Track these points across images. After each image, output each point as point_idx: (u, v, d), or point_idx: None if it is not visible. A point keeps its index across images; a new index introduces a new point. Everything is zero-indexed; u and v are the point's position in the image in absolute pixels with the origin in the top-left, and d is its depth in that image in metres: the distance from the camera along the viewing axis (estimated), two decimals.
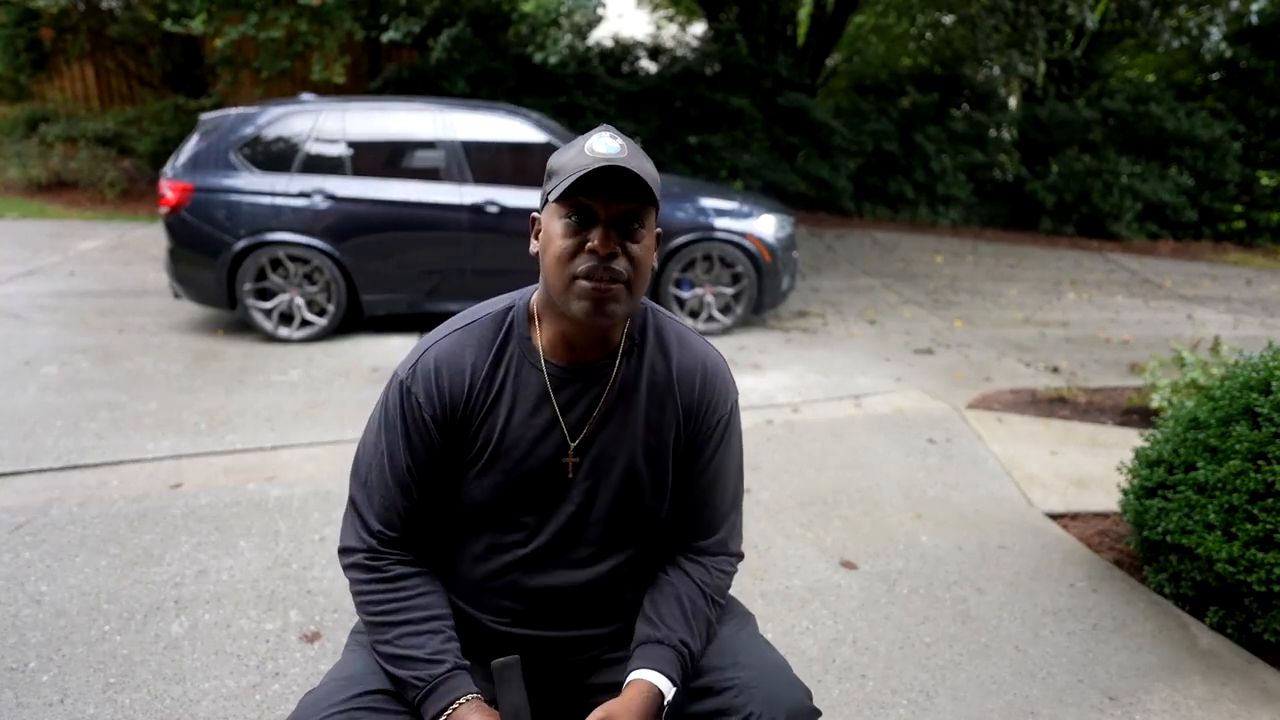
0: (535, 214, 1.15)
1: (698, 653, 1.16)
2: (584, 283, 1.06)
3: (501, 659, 1.09)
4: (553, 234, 1.09)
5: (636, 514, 1.20)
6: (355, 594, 1.17)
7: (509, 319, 1.19)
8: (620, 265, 1.06)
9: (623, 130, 10.67)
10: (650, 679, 1.10)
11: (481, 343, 1.18)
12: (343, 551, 1.19)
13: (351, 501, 1.20)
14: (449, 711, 1.07)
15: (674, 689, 1.11)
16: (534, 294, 1.21)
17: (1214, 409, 2.31)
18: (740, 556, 1.30)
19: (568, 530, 1.18)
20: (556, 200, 1.07)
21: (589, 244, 1.05)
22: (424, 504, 1.18)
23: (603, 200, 1.05)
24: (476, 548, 1.21)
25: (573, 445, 1.16)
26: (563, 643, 1.22)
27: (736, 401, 1.27)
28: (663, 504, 1.22)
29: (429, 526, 1.21)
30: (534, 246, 1.15)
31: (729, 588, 1.27)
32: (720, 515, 1.26)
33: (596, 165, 1.03)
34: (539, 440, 1.16)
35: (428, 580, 1.18)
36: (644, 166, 1.08)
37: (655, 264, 1.18)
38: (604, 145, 1.07)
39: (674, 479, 1.23)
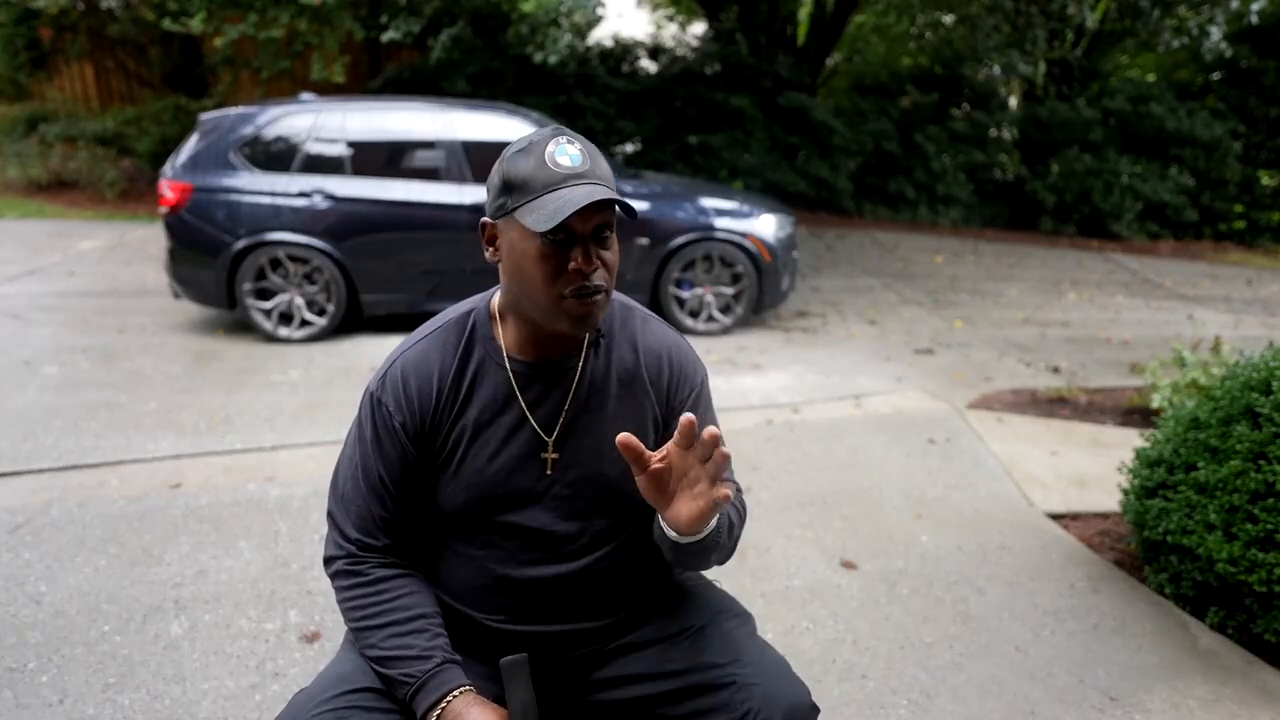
0: (487, 220, 1.12)
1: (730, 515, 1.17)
2: (572, 301, 1.06)
3: (509, 657, 1.09)
4: (526, 253, 1.06)
5: (622, 503, 1.21)
6: (340, 601, 1.17)
7: (471, 321, 1.20)
8: (600, 277, 1.07)
9: (622, 131, 10.72)
10: None
11: (446, 347, 1.18)
12: (326, 562, 1.20)
13: (329, 514, 1.21)
14: (442, 705, 1.07)
15: None
16: (495, 296, 1.21)
17: (1214, 409, 2.31)
18: (740, 489, 1.31)
19: (553, 524, 1.19)
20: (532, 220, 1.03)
21: (572, 264, 1.04)
22: (401, 512, 1.19)
23: (581, 217, 1.04)
24: (464, 549, 1.21)
25: (550, 440, 1.17)
26: (562, 637, 1.22)
27: (705, 378, 1.29)
28: None
29: (411, 533, 1.22)
30: (491, 255, 1.13)
31: (744, 509, 1.27)
32: None
33: (566, 186, 1.02)
34: (508, 438, 1.17)
35: (411, 581, 1.18)
36: (605, 171, 1.08)
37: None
38: (566, 156, 1.05)
39: None
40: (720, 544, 1.13)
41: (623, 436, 0.98)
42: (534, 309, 1.10)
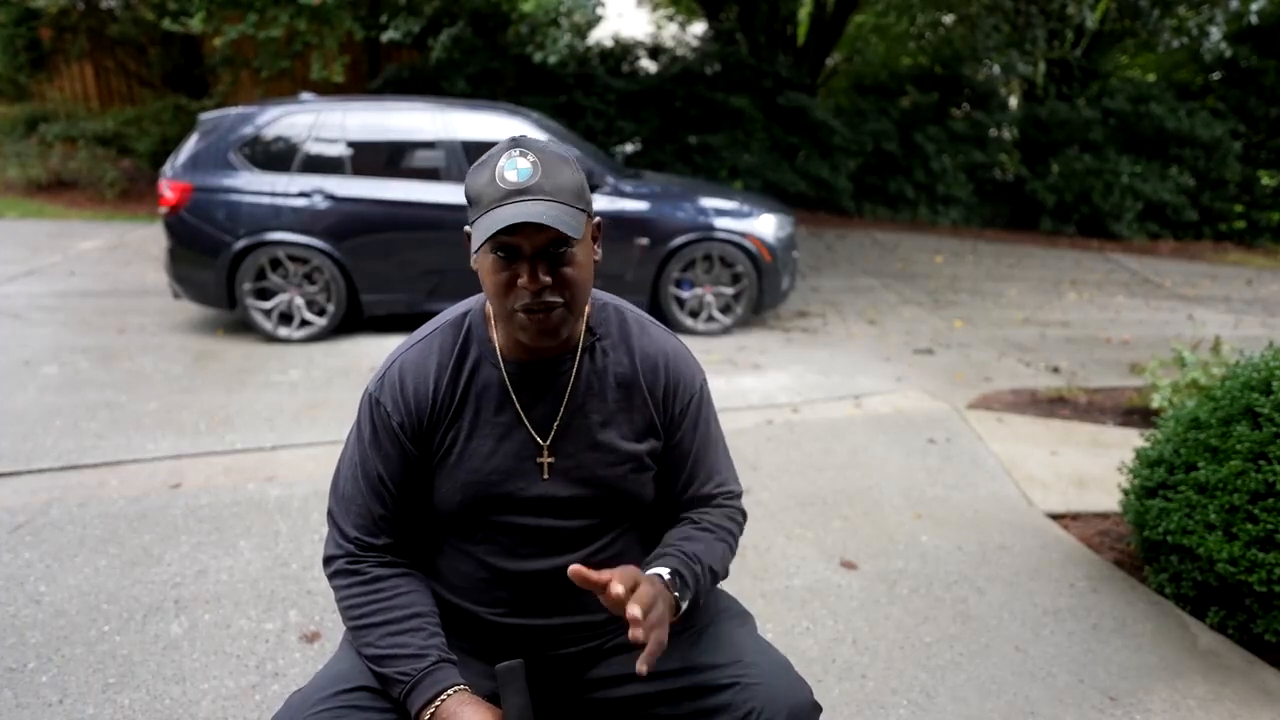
0: (467, 229, 1.12)
1: (700, 553, 1.18)
2: (522, 315, 1.07)
3: (505, 663, 1.09)
4: (484, 266, 1.09)
5: (617, 503, 1.22)
6: (339, 600, 1.18)
7: (467, 323, 1.21)
8: (553, 294, 1.06)
9: (622, 131, 10.70)
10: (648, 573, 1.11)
11: (443, 348, 1.20)
12: (325, 562, 1.21)
13: (329, 514, 1.22)
14: (436, 704, 1.07)
15: (669, 572, 1.12)
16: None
17: (1215, 409, 2.31)
18: (740, 494, 1.33)
19: (549, 523, 1.19)
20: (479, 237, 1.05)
21: (519, 280, 1.06)
22: (401, 511, 1.20)
23: (525, 234, 1.04)
24: (462, 545, 1.22)
25: (545, 443, 1.18)
26: (561, 630, 1.23)
27: (704, 383, 1.30)
28: (645, 487, 1.24)
29: (411, 531, 1.23)
30: (473, 262, 1.14)
31: (742, 523, 1.31)
32: (718, 464, 1.30)
33: (507, 204, 1.02)
34: (503, 439, 1.17)
35: (409, 580, 1.19)
36: (561, 183, 1.05)
37: (599, 255, 1.17)
38: (513, 171, 1.05)
39: (661, 463, 1.26)
40: (703, 590, 1.18)
41: (573, 568, 0.98)
42: (498, 318, 1.14)
